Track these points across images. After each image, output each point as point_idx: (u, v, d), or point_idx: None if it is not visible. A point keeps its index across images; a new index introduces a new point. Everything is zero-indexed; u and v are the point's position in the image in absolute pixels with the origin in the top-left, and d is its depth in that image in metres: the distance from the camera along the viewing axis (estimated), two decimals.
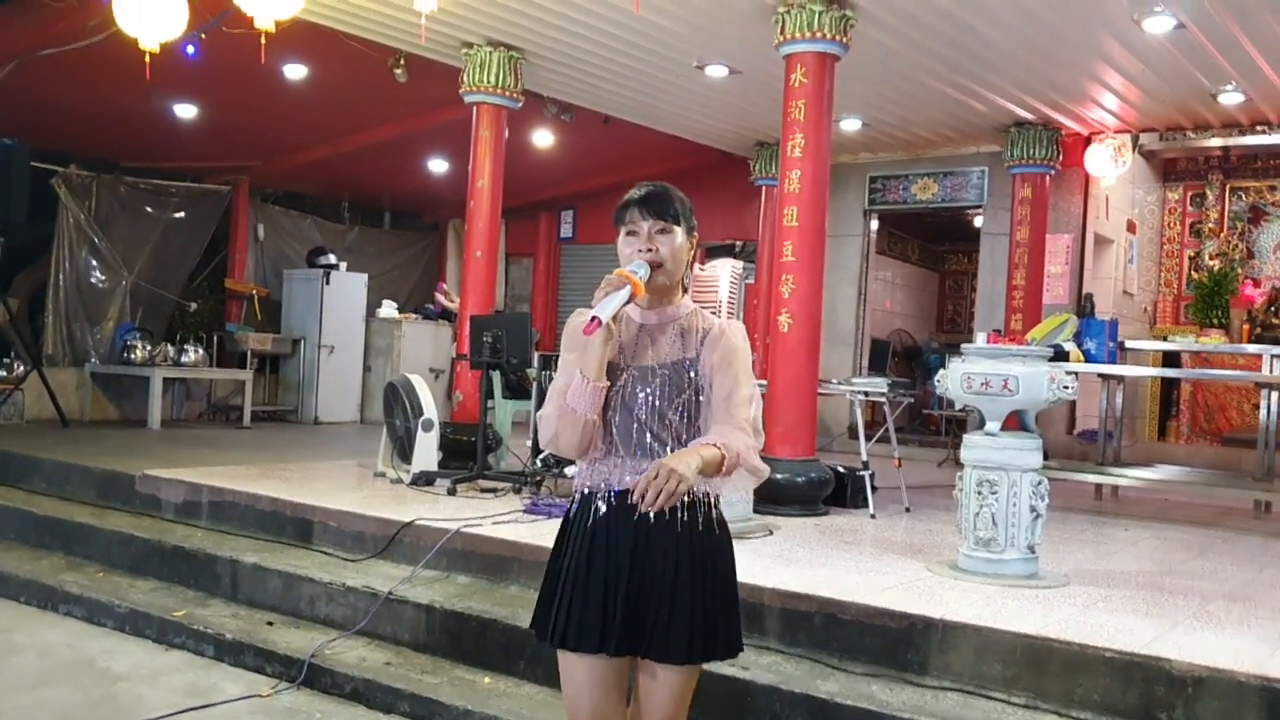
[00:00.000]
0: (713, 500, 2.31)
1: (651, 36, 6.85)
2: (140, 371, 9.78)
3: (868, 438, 6.28)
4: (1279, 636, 3.58)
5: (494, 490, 6.09)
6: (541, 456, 6.22)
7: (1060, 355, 6.48)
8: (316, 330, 11.07)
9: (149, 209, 10.86)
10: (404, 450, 6.53)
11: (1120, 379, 7.39)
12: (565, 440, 2.26)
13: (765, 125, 8.92)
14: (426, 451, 6.40)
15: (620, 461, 2.27)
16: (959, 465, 4.49)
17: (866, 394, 6.41)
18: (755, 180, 10.20)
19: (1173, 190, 11.42)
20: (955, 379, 4.38)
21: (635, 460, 2.25)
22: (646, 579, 2.23)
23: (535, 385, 6.82)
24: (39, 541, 5.99)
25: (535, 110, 8.47)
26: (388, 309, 11.67)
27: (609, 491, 2.28)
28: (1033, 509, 4.25)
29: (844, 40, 5.98)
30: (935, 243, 13.20)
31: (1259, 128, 8.61)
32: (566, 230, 12.89)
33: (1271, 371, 6.85)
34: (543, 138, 9.79)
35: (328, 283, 11.14)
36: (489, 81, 7.12)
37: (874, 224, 10.65)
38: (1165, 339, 9.06)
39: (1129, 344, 7.48)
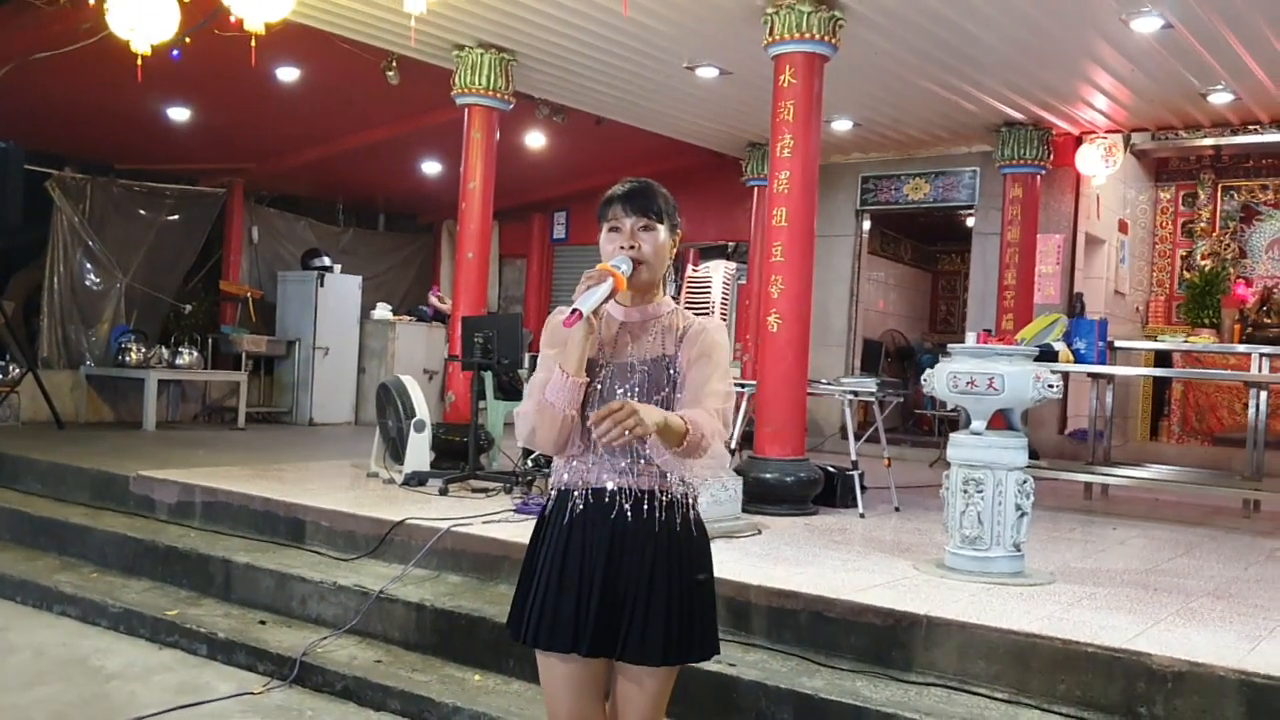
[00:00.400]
0: (690, 501, 2.30)
1: (641, 38, 6.88)
2: (135, 373, 9.80)
3: (860, 438, 6.32)
4: (1260, 632, 3.62)
5: (485, 490, 6.12)
6: (533, 457, 6.26)
7: (1050, 355, 6.51)
8: (311, 332, 11.11)
9: (143, 211, 10.88)
10: (396, 451, 6.56)
11: (1110, 379, 7.42)
12: (543, 436, 2.24)
13: (757, 126, 8.95)
14: (419, 452, 6.43)
15: (598, 459, 2.25)
16: (949, 465, 4.52)
17: (856, 394, 6.44)
18: (747, 181, 10.23)
19: (1165, 190, 11.46)
20: (941, 378, 4.42)
21: (614, 458, 2.23)
22: (622, 579, 2.22)
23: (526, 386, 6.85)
24: (34, 542, 6.02)
25: (527, 112, 8.49)
26: (382, 311, 11.70)
27: (586, 489, 2.26)
28: (1018, 507, 4.28)
29: (832, 41, 6.02)
30: (928, 243, 13.24)
31: (1251, 127, 8.65)
32: (560, 231, 12.92)
33: (1260, 371, 6.89)
34: (535, 139, 9.82)
35: (322, 285, 11.17)
36: (480, 83, 7.15)
37: (866, 224, 10.68)
38: (1155, 339, 9.10)
39: (1119, 344, 7.51)
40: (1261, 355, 6.92)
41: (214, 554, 5.19)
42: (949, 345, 4.62)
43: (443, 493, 6.00)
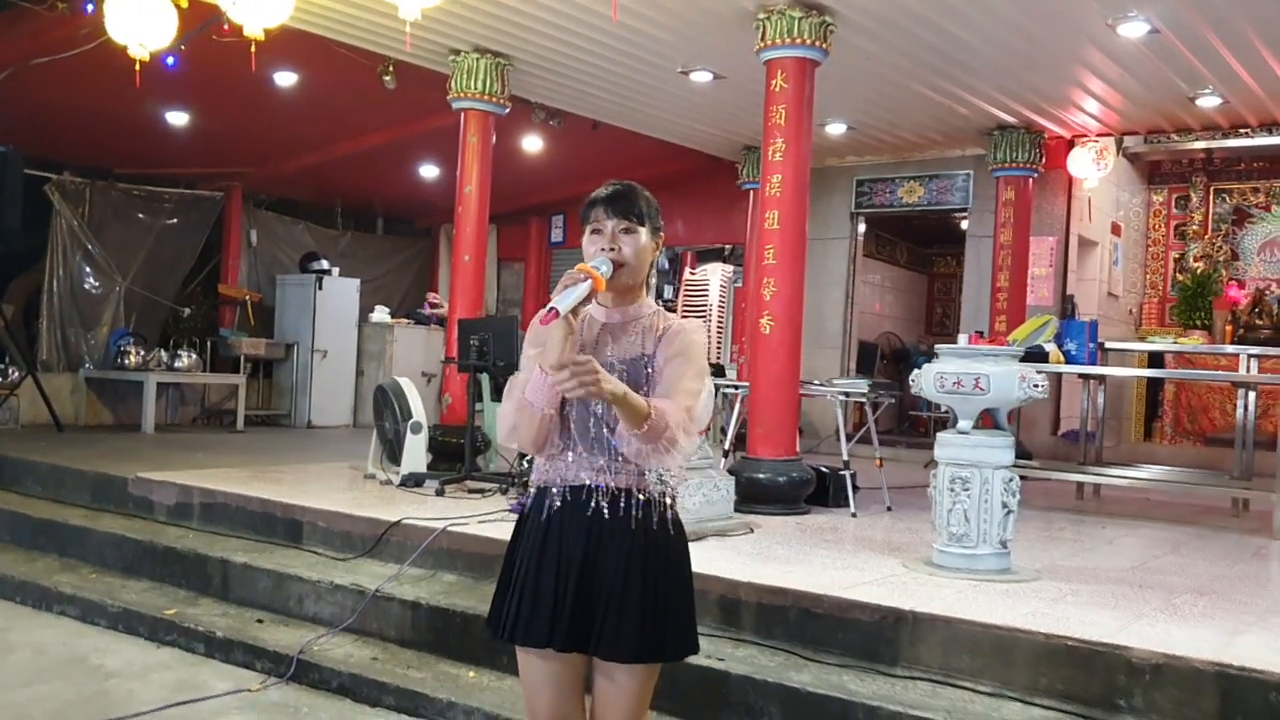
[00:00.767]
0: (669, 500, 2.32)
1: (635, 43, 6.95)
2: (134, 376, 9.87)
3: (853, 439, 6.38)
4: (1239, 627, 3.69)
5: (481, 491, 6.18)
6: (528, 458, 6.32)
7: (1041, 356, 6.58)
8: (309, 335, 11.17)
9: (142, 215, 10.95)
10: (393, 452, 6.62)
11: (1101, 379, 7.48)
12: (523, 434, 2.27)
13: (752, 129, 8.99)
14: (415, 453, 6.49)
15: (577, 457, 2.28)
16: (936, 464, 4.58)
17: (847, 395, 6.50)
18: (743, 184, 10.29)
19: (1157, 192, 11.53)
20: (929, 379, 4.49)
21: (591, 456, 2.27)
22: (597, 576, 2.24)
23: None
24: (33, 543, 6.08)
25: (524, 116, 8.56)
26: (380, 314, 11.76)
27: (564, 486, 2.29)
28: (1004, 505, 4.34)
29: (823, 46, 6.09)
30: (923, 245, 13.30)
31: (1241, 130, 8.72)
32: (557, 235, 12.99)
33: (1249, 371, 6.95)
34: (532, 143, 9.89)
35: (320, 288, 11.24)
36: (476, 88, 7.22)
37: (861, 227, 10.75)
38: (1147, 340, 9.17)
39: (1109, 345, 7.58)
40: (1249, 356, 6.98)
41: (212, 554, 5.25)
42: (936, 346, 4.68)
43: (439, 493, 6.06)
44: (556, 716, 2.35)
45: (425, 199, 12.52)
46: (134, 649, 4.70)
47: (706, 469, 5.39)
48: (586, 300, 2.17)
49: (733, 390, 7.04)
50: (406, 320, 11.96)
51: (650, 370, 2.27)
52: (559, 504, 2.29)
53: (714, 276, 12.39)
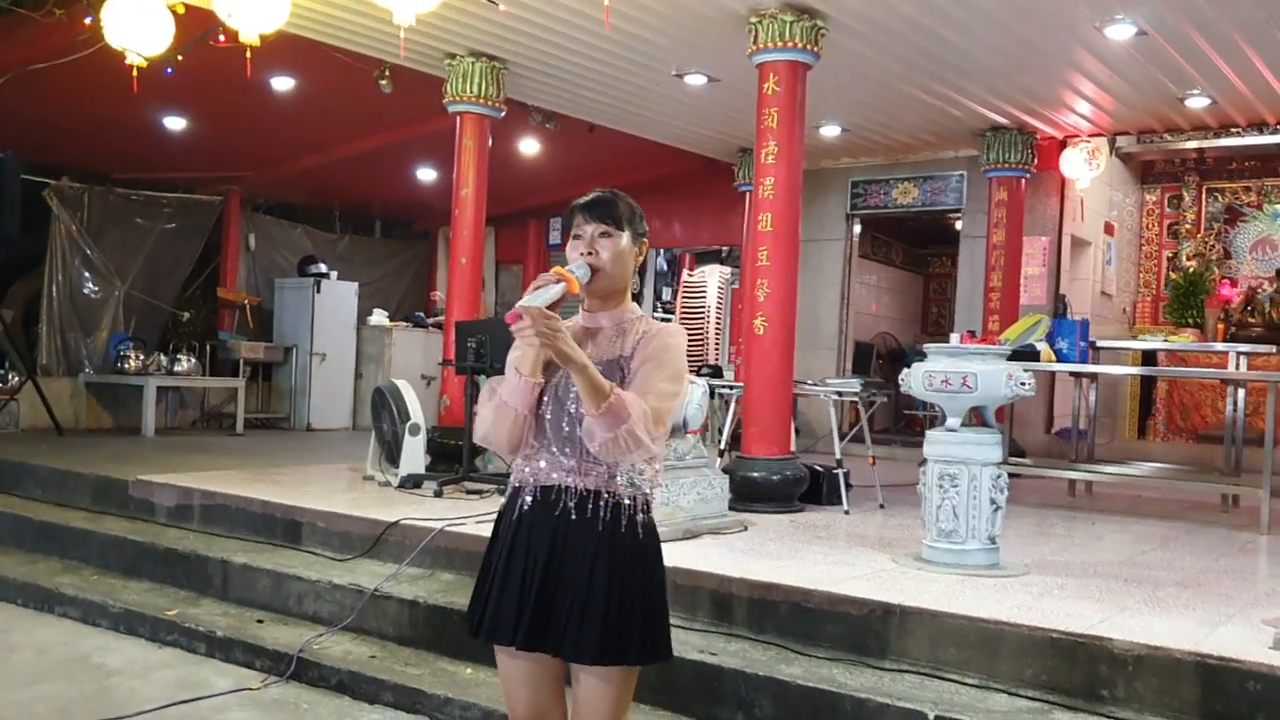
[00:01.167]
0: (640, 505, 2.31)
1: (630, 46, 7.01)
2: (134, 380, 9.93)
3: (849, 437, 6.45)
4: (1219, 618, 3.75)
5: (479, 492, 6.23)
6: None
7: (1032, 355, 6.64)
8: (308, 338, 11.23)
9: (141, 220, 11.02)
10: (392, 454, 6.68)
11: (1094, 378, 7.55)
12: (498, 435, 2.30)
13: (747, 132, 9.02)
14: (414, 455, 6.55)
15: (550, 457, 2.30)
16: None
17: (840, 394, 6.57)
18: (739, 186, 10.35)
19: (1150, 192, 11.59)
20: (918, 377, 4.56)
21: (563, 456, 2.28)
22: (562, 576, 2.25)
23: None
24: (35, 546, 6.14)
25: (521, 119, 8.63)
26: (379, 316, 11.82)
27: (536, 486, 2.31)
28: (992, 501, 4.41)
29: (814, 49, 6.16)
30: (918, 246, 13.36)
31: (1233, 130, 8.79)
32: (555, 237, 13.03)
33: (1237, 369, 7.02)
34: (529, 146, 9.94)
35: (319, 291, 11.30)
36: (472, 91, 7.28)
37: (856, 228, 10.81)
38: (1137, 339, 9.23)
39: (1101, 343, 7.64)
40: (1239, 354, 7.05)
41: (212, 555, 5.31)
42: (924, 346, 4.75)
43: (437, 495, 6.12)
44: (534, 714, 2.37)
45: (423, 202, 12.58)
46: (135, 649, 4.76)
47: (701, 468, 5.45)
48: (559, 303, 2.16)
49: (728, 390, 7.11)
50: (405, 323, 12.02)
51: (625, 372, 2.27)
52: (529, 504, 2.32)
53: (711, 278, 12.47)
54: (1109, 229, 10.76)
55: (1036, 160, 8.98)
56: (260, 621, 4.84)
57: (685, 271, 13.00)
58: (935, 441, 4.50)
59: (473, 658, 4.24)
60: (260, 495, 5.84)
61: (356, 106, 8.68)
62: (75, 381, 10.24)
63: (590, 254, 2.31)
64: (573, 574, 2.25)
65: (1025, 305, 9.13)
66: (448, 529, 5.00)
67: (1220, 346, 7.99)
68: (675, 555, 4.45)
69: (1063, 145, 9.16)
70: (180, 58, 5.82)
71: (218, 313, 11.85)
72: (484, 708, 3.82)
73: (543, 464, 2.31)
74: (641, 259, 2.41)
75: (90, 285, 10.72)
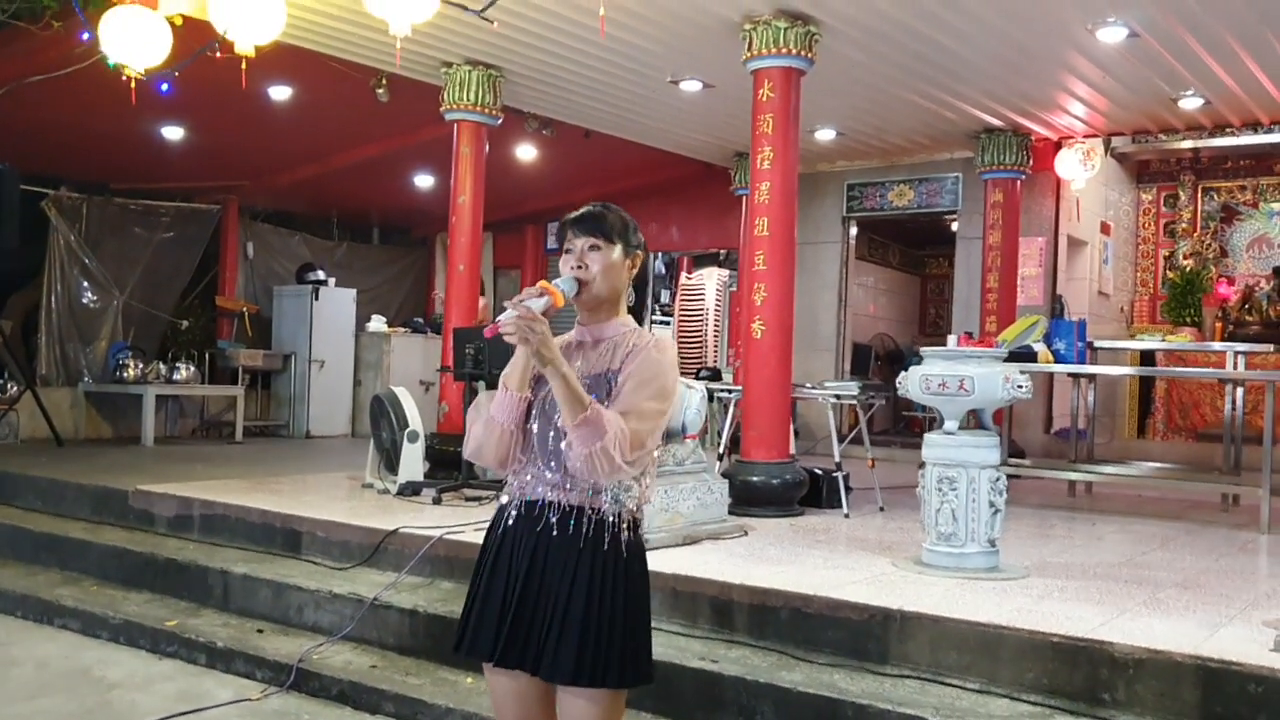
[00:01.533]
0: (624, 522, 2.28)
1: (625, 53, 7.02)
2: (133, 390, 9.94)
3: (848, 440, 6.45)
4: (1220, 620, 3.76)
5: (478, 499, 6.24)
6: None
7: (1030, 356, 6.65)
8: (307, 346, 11.23)
9: (139, 229, 11.03)
10: (391, 461, 6.68)
11: (1092, 378, 7.56)
12: (486, 451, 2.29)
13: (743, 137, 8.99)
14: (412, 462, 6.55)
15: (536, 471, 2.28)
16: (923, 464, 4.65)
17: (839, 397, 6.58)
18: (736, 190, 10.36)
19: (1146, 191, 11.62)
20: (915, 381, 4.56)
21: (549, 471, 2.27)
22: (542, 592, 2.22)
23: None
24: (34, 557, 6.13)
25: (517, 125, 8.64)
26: (377, 323, 11.82)
27: (521, 501, 2.30)
28: (991, 504, 4.42)
29: (809, 55, 6.17)
30: (915, 247, 13.38)
31: (1227, 130, 8.80)
32: (553, 242, 13.01)
33: (1235, 368, 7.02)
34: (525, 152, 9.97)
35: (317, 298, 11.30)
36: (468, 99, 7.29)
37: (853, 231, 10.82)
38: (1136, 338, 9.24)
39: (1099, 343, 7.65)
40: (1236, 353, 7.05)
41: (212, 565, 5.31)
42: (921, 349, 4.76)
43: (436, 502, 6.12)
44: None
45: (420, 208, 12.60)
46: (136, 661, 4.76)
47: (700, 473, 5.45)
48: (545, 316, 2.15)
49: (727, 393, 7.11)
50: (403, 329, 12.03)
51: (612, 386, 2.25)
52: (513, 519, 2.31)
53: (709, 281, 12.48)
54: (1105, 229, 10.77)
55: (1031, 161, 9.00)
56: (260, 632, 4.84)
57: (683, 275, 13.01)
58: (933, 445, 4.51)
59: (473, 667, 4.19)
60: (260, 504, 5.84)
61: (354, 115, 8.69)
62: (74, 391, 10.24)
63: (580, 268, 2.30)
64: (552, 590, 2.22)
65: (1022, 306, 9.14)
66: (447, 537, 5.00)
67: (1218, 346, 8.01)
68: (675, 561, 4.46)
69: (1058, 146, 9.17)
70: (176, 74, 5.82)
71: (216, 321, 11.86)
72: (485, 717, 3.81)
73: (528, 478, 2.30)
74: (635, 271, 2.38)
75: (89, 295, 10.73)
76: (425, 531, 5.08)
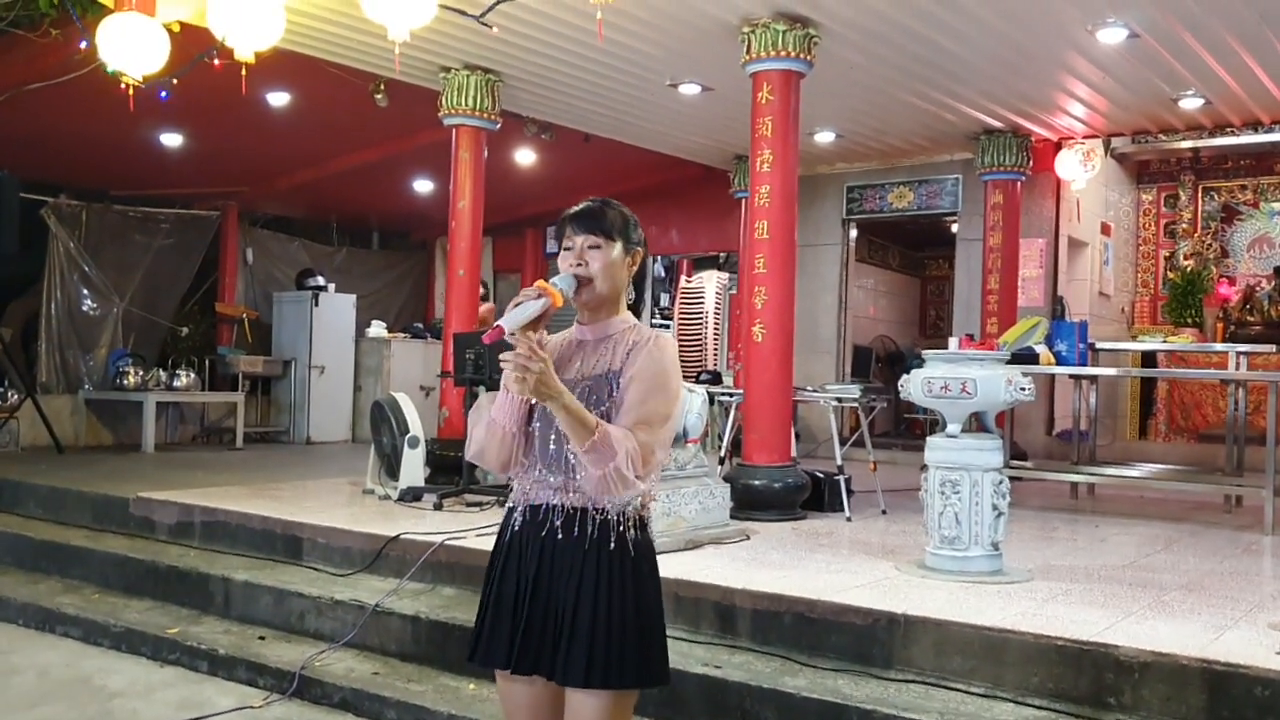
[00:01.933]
0: (630, 522, 2.24)
1: (623, 57, 7.01)
2: (133, 397, 9.93)
3: (850, 443, 6.44)
4: (1225, 622, 3.74)
5: (479, 504, 6.22)
6: None
7: (1031, 358, 6.64)
8: (307, 351, 11.22)
9: (138, 236, 11.03)
10: (391, 467, 6.67)
11: (1093, 379, 7.55)
12: (489, 454, 2.27)
13: (742, 139, 8.98)
14: (413, 468, 6.54)
15: (539, 475, 2.26)
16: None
17: (840, 400, 6.56)
18: (735, 193, 10.35)
19: (1146, 191, 11.61)
20: (917, 384, 4.55)
21: (551, 475, 2.24)
22: (551, 596, 2.20)
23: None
24: (35, 565, 6.12)
25: (516, 129, 8.63)
26: (377, 328, 11.81)
27: (526, 506, 2.28)
28: (994, 507, 4.40)
29: (808, 58, 6.17)
30: (915, 249, 13.37)
31: (1227, 130, 8.79)
32: (552, 246, 13.03)
33: (1237, 369, 7.01)
34: (525, 156, 9.96)
35: (317, 304, 11.29)
36: (467, 104, 7.29)
37: (853, 233, 10.82)
38: (1137, 339, 9.23)
39: (1100, 345, 7.64)
40: (1238, 353, 7.04)
41: (213, 572, 5.30)
42: (923, 351, 4.75)
43: (437, 507, 6.11)
44: None
45: (420, 213, 12.59)
46: (137, 669, 4.75)
47: (702, 477, 5.44)
48: (543, 318, 2.13)
49: (728, 397, 7.10)
50: (403, 334, 12.02)
51: (613, 387, 2.22)
52: (519, 524, 2.28)
53: (709, 284, 12.47)
54: (1105, 229, 10.77)
55: (1032, 162, 8.98)
56: (262, 639, 4.83)
57: (683, 278, 13.00)
58: (936, 448, 4.49)
59: (475, 674, 4.22)
60: (261, 511, 5.83)
61: (352, 120, 8.69)
62: (75, 399, 10.23)
63: (580, 265, 2.26)
64: (560, 594, 2.20)
65: (1023, 307, 9.13)
66: (448, 542, 4.99)
67: (1220, 346, 8.00)
68: (678, 566, 4.45)
69: (1058, 147, 9.16)
70: (175, 81, 5.81)
71: (216, 327, 11.86)
72: None
73: (532, 482, 2.28)
74: (636, 268, 2.34)
75: (89, 302, 10.73)
76: (427, 537, 5.07)
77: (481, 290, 9.40)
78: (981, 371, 4.40)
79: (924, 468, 4.58)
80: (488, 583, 2.32)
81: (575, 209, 2.31)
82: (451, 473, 6.88)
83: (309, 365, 11.19)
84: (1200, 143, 9.36)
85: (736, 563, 4.72)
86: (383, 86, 7.56)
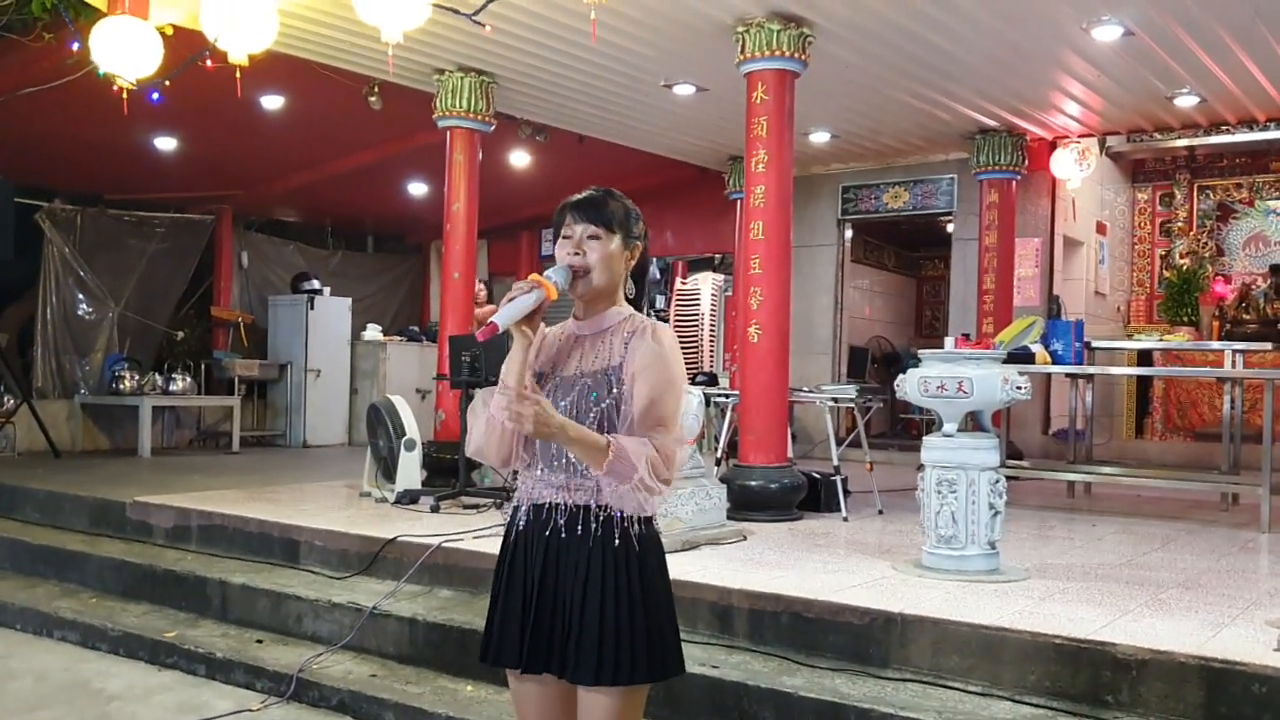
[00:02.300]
0: (634, 518, 2.21)
1: (618, 58, 7.01)
2: (129, 401, 9.91)
3: (844, 443, 6.44)
4: (1223, 620, 3.74)
5: (476, 506, 6.22)
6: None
7: (1027, 357, 6.65)
8: (302, 355, 11.21)
9: (134, 241, 11.03)
10: (388, 470, 6.66)
11: (1089, 378, 7.55)
12: (488, 449, 2.25)
13: (737, 140, 8.99)
14: (410, 470, 6.54)
15: (540, 473, 2.25)
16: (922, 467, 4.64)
17: (836, 400, 6.57)
18: (730, 194, 10.37)
19: (1142, 190, 11.63)
20: (913, 383, 4.55)
21: (552, 473, 2.23)
22: (558, 595, 2.19)
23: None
24: (33, 569, 6.11)
25: (510, 131, 8.63)
26: (373, 332, 11.80)
27: (530, 505, 2.26)
28: (991, 506, 4.40)
29: (802, 57, 6.17)
30: (911, 249, 13.38)
31: (1223, 128, 8.81)
32: (548, 248, 13.06)
33: (1233, 367, 7.02)
34: (519, 158, 9.95)
35: (312, 308, 11.28)
36: (461, 106, 7.29)
37: (848, 233, 10.82)
38: (1133, 338, 9.24)
39: (1096, 343, 7.64)
40: (1234, 352, 7.05)
41: (211, 576, 5.29)
42: (919, 351, 4.75)
43: (434, 510, 6.10)
44: None
45: (415, 216, 12.58)
46: (135, 672, 4.74)
47: (699, 478, 5.44)
48: (539, 310, 2.11)
49: (724, 399, 7.10)
50: (399, 337, 12.01)
51: (614, 380, 2.18)
52: (523, 523, 2.27)
53: (705, 286, 12.46)
54: (1101, 228, 10.78)
55: (1027, 162, 8.99)
56: (260, 642, 4.82)
57: (678, 279, 13.00)
58: (932, 447, 4.49)
59: (473, 675, 4.22)
60: (257, 514, 5.82)
61: (346, 123, 8.68)
62: (71, 403, 10.21)
63: (578, 255, 2.22)
64: (567, 593, 2.19)
65: (1019, 307, 9.14)
66: (445, 545, 4.98)
67: (1216, 345, 8.01)
68: (675, 567, 4.36)
69: (1053, 146, 9.17)
70: (168, 83, 5.80)
71: (212, 331, 11.85)
72: None
73: (535, 481, 2.26)
74: (635, 263, 2.30)
75: (84, 307, 10.72)
76: (423, 540, 5.06)
77: (483, 292, 9.41)
78: (978, 371, 4.40)
79: (920, 467, 4.58)
80: (496, 583, 2.31)
81: (577, 197, 2.26)
82: (448, 475, 6.87)
83: (305, 369, 11.18)
84: (1195, 141, 9.39)
85: (733, 563, 4.72)
86: (377, 89, 7.57)
